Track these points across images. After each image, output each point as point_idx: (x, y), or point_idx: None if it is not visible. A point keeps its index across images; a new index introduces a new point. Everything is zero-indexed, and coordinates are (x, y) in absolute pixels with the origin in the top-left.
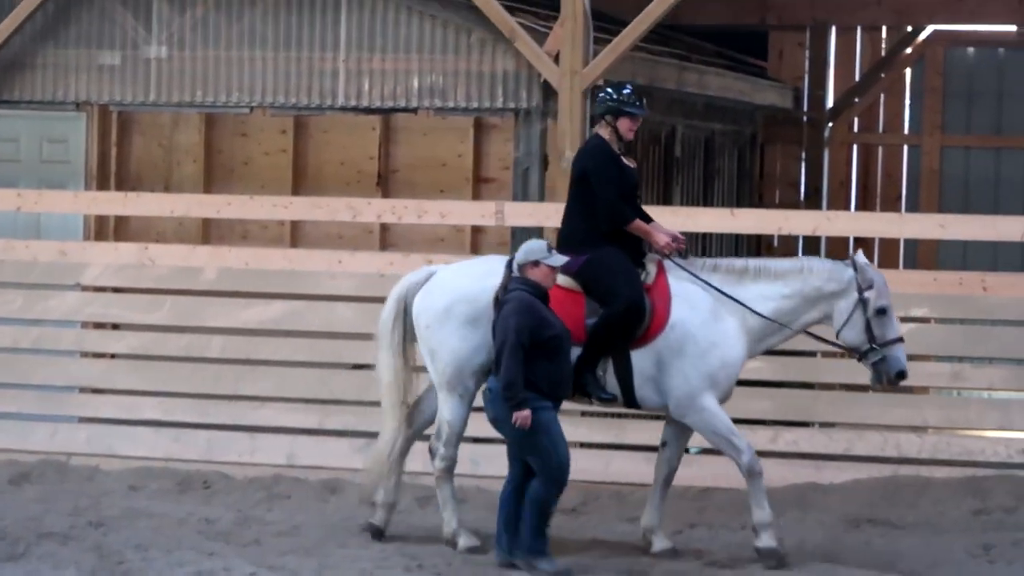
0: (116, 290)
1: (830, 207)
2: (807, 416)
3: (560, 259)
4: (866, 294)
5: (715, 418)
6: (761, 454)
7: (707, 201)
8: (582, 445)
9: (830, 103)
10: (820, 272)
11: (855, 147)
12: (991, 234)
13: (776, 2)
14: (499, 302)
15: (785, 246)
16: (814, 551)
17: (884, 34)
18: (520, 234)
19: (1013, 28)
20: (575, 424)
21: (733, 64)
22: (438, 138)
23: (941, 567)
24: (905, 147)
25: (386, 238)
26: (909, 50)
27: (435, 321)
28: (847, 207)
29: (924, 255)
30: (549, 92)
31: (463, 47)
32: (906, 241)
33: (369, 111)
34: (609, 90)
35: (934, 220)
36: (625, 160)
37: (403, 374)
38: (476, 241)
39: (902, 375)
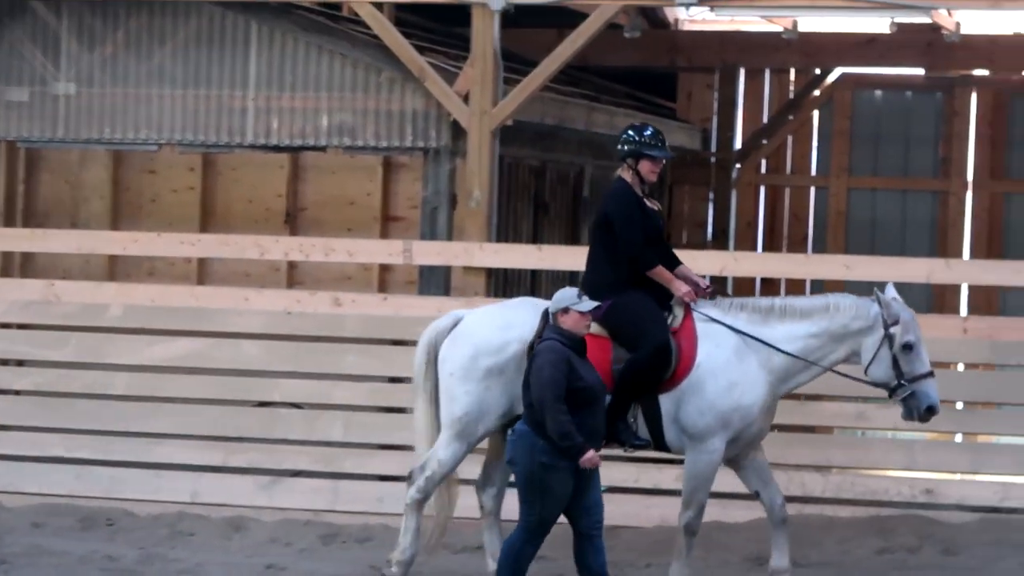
0: (21, 326)
1: (737, 247)
2: None
3: (589, 305)
4: (892, 330)
5: (709, 467)
6: (667, 493)
7: None
8: None
9: (738, 144)
10: (846, 309)
11: (762, 188)
12: (896, 275)
13: (685, 44)
14: (532, 349)
15: None
16: None
17: (792, 76)
18: (427, 273)
19: (920, 71)
20: (480, 462)
21: (642, 105)
22: (347, 176)
23: None
24: (812, 189)
25: (293, 276)
26: (817, 92)
27: (459, 370)
28: (754, 248)
29: None
30: (458, 131)
31: (372, 86)
32: (812, 282)
33: (278, 149)
34: (630, 132)
35: (840, 261)
36: (648, 203)
37: (435, 421)
38: (384, 279)
39: (932, 410)
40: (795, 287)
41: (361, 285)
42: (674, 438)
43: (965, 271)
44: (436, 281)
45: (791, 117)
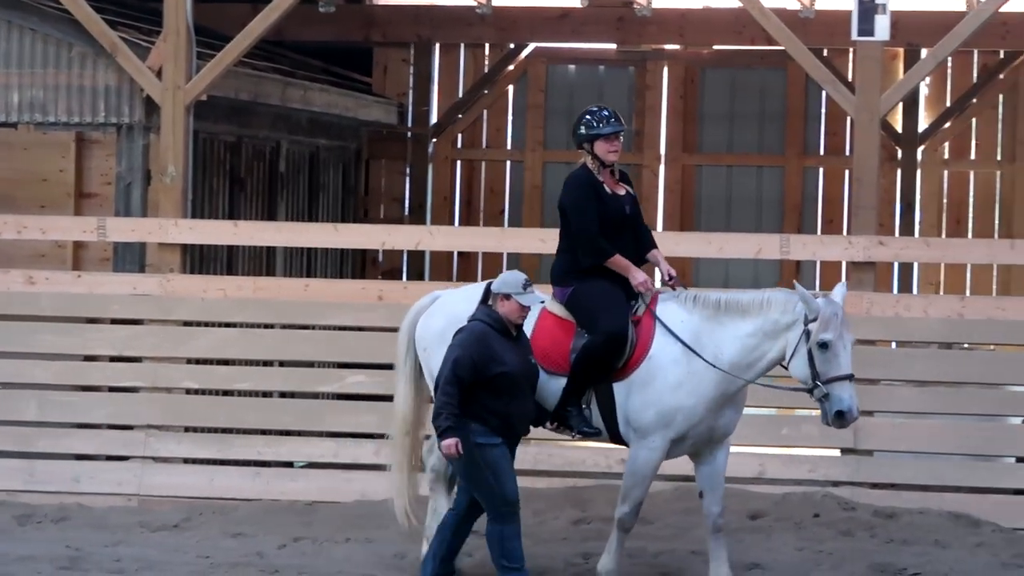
0: None
1: (434, 222)
2: None
3: (535, 298)
4: (810, 326)
5: (648, 465)
6: (365, 468)
7: (312, 217)
8: (185, 461)
9: (434, 119)
10: (776, 304)
11: (459, 163)
12: None
13: (380, 19)
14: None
15: (390, 261)
16: (415, 562)
17: (487, 51)
18: (122, 249)
19: (612, 46)
20: (179, 440)
21: (338, 80)
22: (39, 153)
23: None
24: (508, 163)
25: None
26: (511, 67)
27: (431, 344)
28: (451, 222)
29: (527, 269)
30: (152, 107)
31: (64, 61)
32: (509, 255)
33: None
34: (580, 116)
35: (535, 234)
36: (611, 188)
37: (414, 404)
38: (78, 257)
39: (842, 416)
40: (491, 260)
41: (55, 263)
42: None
43: (659, 242)
44: (131, 258)
45: (486, 92)
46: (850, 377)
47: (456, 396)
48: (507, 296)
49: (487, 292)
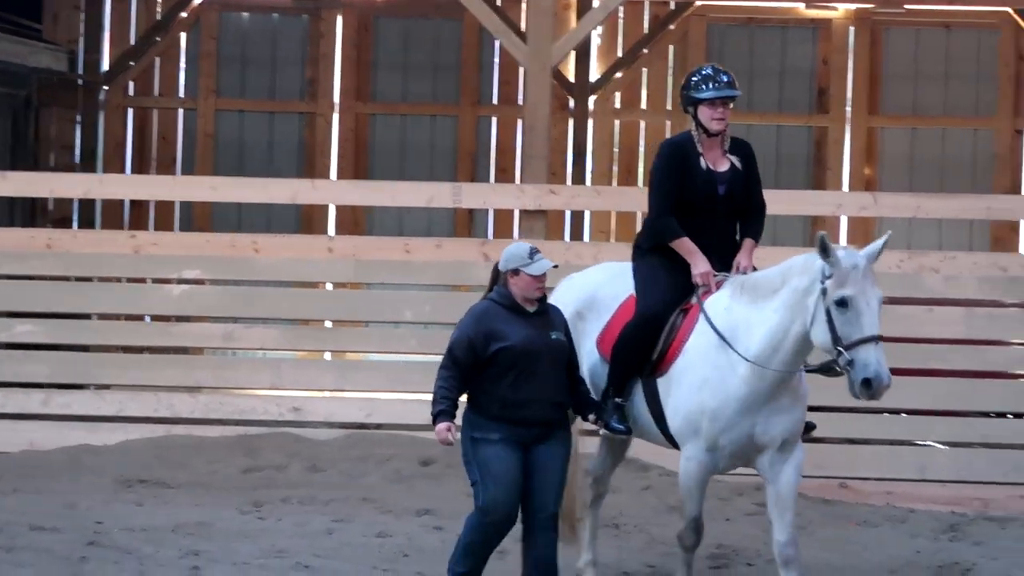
0: None
1: (106, 170)
2: (81, 378)
3: (542, 266)
4: (826, 283)
5: (687, 477)
6: (34, 417)
7: None
8: None
9: (106, 66)
10: (793, 268)
11: (131, 110)
12: (263, 196)
13: None
14: None
15: (61, 209)
16: (86, 513)
17: None
18: None
19: None
20: None
21: (7, 26)
22: None
23: (213, 525)
24: (181, 111)
25: None
26: (184, 14)
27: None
28: (123, 170)
29: (200, 217)
30: None
31: None
32: (181, 204)
33: None
34: (692, 77)
35: (206, 183)
36: (711, 162)
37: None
38: None
39: (868, 384)
40: (163, 208)
41: None
42: None
43: (329, 191)
44: None
45: (158, 39)
46: (877, 339)
47: (453, 380)
48: (515, 271)
49: (495, 273)
